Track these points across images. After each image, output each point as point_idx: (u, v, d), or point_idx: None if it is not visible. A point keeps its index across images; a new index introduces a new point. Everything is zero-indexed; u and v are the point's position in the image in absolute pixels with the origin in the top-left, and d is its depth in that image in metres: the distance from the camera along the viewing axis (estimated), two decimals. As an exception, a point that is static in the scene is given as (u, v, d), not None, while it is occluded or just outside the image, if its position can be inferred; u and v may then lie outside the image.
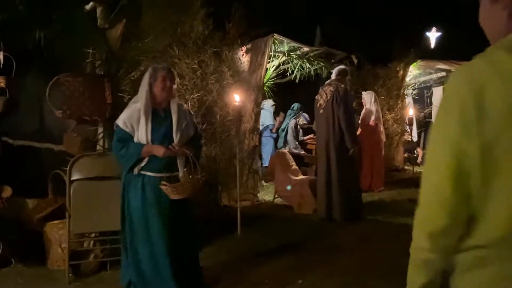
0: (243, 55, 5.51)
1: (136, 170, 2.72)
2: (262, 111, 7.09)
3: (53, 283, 3.29)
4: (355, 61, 7.03)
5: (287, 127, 7.42)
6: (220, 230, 4.38)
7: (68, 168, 3.39)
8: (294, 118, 7.43)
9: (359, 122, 6.48)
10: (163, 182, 2.63)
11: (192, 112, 3.00)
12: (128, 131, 2.69)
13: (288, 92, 7.24)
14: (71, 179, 3.39)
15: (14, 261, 3.57)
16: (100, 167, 3.46)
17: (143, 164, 2.71)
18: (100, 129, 3.67)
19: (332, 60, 7.00)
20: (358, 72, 7.34)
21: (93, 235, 3.57)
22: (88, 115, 3.47)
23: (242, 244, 4.16)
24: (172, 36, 4.31)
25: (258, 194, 6.03)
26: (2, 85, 4.45)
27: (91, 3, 3.79)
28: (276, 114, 7.52)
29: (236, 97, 4.67)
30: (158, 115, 2.76)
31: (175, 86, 2.79)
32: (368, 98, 6.51)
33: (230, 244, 4.13)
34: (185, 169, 2.72)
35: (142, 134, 2.67)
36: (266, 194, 6.31)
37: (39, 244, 3.66)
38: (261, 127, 7.24)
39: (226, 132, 4.97)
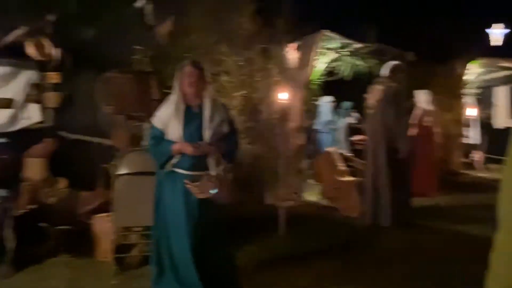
0: (291, 52, 5.40)
1: (168, 167, 2.71)
2: (320, 109, 6.93)
3: (98, 274, 3.37)
4: (411, 58, 6.67)
5: (339, 126, 7.20)
6: (263, 229, 4.32)
7: (115, 163, 3.47)
8: (344, 117, 7.20)
9: (413, 122, 6.14)
10: (185, 181, 2.62)
11: (227, 107, 2.90)
12: (160, 128, 2.70)
13: (337, 91, 7.01)
14: (117, 173, 3.46)
15: (63, 251, 3.71)
16: (145, 163, 3.50)
17: (175, 161, 2.70)
18: (146, 125, 3.72)
19: (386, 57, 6.69)
20: (413, 70, 6.95)
21: (137, 229, 3.63)
22: (135, 111, 3.53)
23: (283, 244, 4.07)
24: (220, 32, 4.29)
25: (303, 194, 5.90)
26: (55, 80, 4.67)
27: (140, 1, 3.86)
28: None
29: (283, 95, 4.58)
30: (191, 111, 2.73)
31: (207, 81, 2.76)
32: (423, 98, 6.16)
33: (271, 244, 4.06)
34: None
35: (173, 131, 2.67)
36: (312, 194, 6.17)
37: (88, 236, 3.79)
38: (320, 124, 7.07)
39: (272, 130, 4.88)
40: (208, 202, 2.69)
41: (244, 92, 4.48)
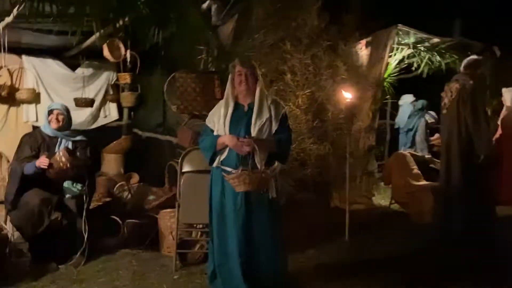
0: (361, 48, 5.17)
1: (216, 163, 2.72)
2: (400, 108, 6.55)
3: (162, 268, 3.48)
4: (497, 52, 6.05)
5: (416, 127, 6.72)
6: (328, 232, 4.18)
7: (179, 160, 3.56)
8: (422, 117, 6.69)
9: (498, 123, 5.57)
10: (224, 174, 2.62)
11: (281, 105, 2.82)
12: (210, 125, 2.76)
13: (413, 89, 6.57)
14: (182, 171, 3.55)
15: (132, 243, 3.89)
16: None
17: (222, 157, 2.70)
18: (209, 124, 3.77)
19: (469, 52, 6.13)
20: (500, 66, 6.31)
21: (199, 226, 3.69)
22: (199, 110, 3.59)
23: (348, 250, 3.89)
24: (285, 30, 4.22)
25: (373, 198, 5.63)
26: (128, 81, 4.93)
27: (207, 1, 3.91)
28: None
29: (351, 94, 4.39)
30: (241, 110, 2.74)
31: (259, 80, 2.75)
32: (509, 96, 5.55)
33: (335, 248, 3.90)
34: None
35: (220, 127, 2.70)
36: (383, 198, 5.87)
37: (155, 230, 3.94)
38: (400, 124, 6.69)
39: (339, 130, 4.70)
40: (257, 202, 2.66)
41: (309, 90, 4.36)
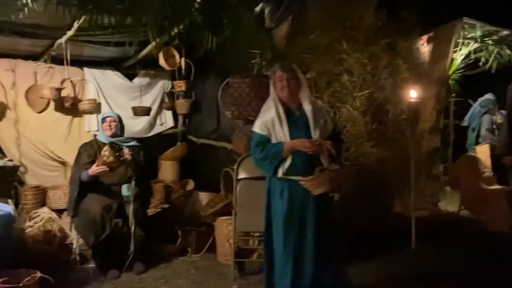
0: (423, 45, 4.87)
1: (280, 173, 2.60)
2: (477, 106, 6.09)
3: (220, 276, 3.44)
4: None
5: (479, 125, 6.20)
6: (392, 241, 3.94)
7: (235, 167, 3.51)
8: (485, 114, 6.14)
9: None
10: (299, 178, 2.50)
11: (327, 108, 2.83)
12: (265, 134, 2.62)
13: (479, 86, 6.10)
14: (238, 177, 3.49)
15: (190, 251, 3.89)
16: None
17: (286, 166, 2.59)
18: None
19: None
20: None
21: (257, 234, 3.61)
22: (253, 115, 3.50)
23: (416, 260, 3.64)
24: (340, 30, 4.05)
25: (439, 204, 5.27)
26: (183, 88, 4.97)
27: (260, 5, 3.84)
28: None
29: (413, 93, 4.13)
30: (292, 115, 2.65)
31: (303, 83, 2.68)
32: None
33: (402, 258, 3.66)
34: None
35: (279, 134, 2.59)
36: (450, 203, 5.48)
37: (212, 237, 3.92)
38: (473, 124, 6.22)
39: (400, 132, 4.43)
40: (326, 210, 2.57)
41: (368, 91, 4.14)
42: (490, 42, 5.36)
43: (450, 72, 5.14)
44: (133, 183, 3.57)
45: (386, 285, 3.18)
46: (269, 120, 2.62)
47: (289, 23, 3.55)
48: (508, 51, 5.46)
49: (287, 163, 2.58)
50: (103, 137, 3.75)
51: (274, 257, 2.69)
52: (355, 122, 4.21)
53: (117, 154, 3.38)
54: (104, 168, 3.35)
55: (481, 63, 5.60)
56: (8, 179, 2.16)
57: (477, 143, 6.03)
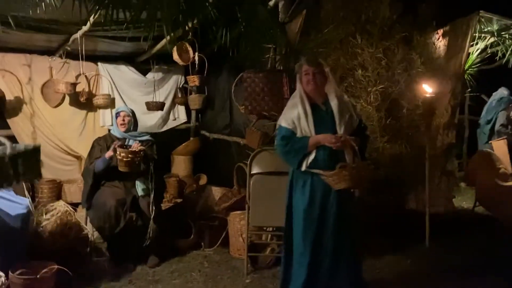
0: (438, 39, 4.79)
1: (304, 166, 2.60)
2: (493, 101, 6.01)
3: (233, 271, 3.46)
4: None
5: (495, 119, 6.08)
6: (406, 237, 3.91)
7: (248, 162, 3.51)
8: (502, 109, 6.02)
9: None
10: (321, 172, 2.50)
11: (352, 103, 2.78)
12: (291, 128, 2.62)
13: (496, 80, 5.99)
14: (251, 172, 3.49)
15: (203, 245, 3.91)
16: (278, 162, 3.44)
17: (310, 159, 2.58)
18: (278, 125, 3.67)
19: None
20: None
21: (270, 229, 3.62)
22: (267, 110, 3.51)
23: (429, 257, 3.61)
24: (355, 24, 4.01)
25: (453, 200, 5.21)
26: (197, 83, 4.97)
27: (274, -1, 3.82)
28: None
29: (428, 88, 4.07)
30: (318, 109, 2.65)
31: (329, 78, 2.68)
32: None
33: (415, 255, 3.64)
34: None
35: (305, 128, 2.59)
36: (465, 200, 5.42)
37: (225, 231, 3.93)
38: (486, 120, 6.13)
39: (415, 127, 4.39)
40: (347, 205, 2.59)
41: (382, 86, 4.10)
42: (507, 36, 5.24)
43: (466, 66, 5.06)
44: (147, 177, 3.60)
45: (399, 281, 3.16)
46: (295, 114, 2.62)
47: (303, 17, 3.52)
48: (526, 45, 5.35)
49: (311, 157, 2.58)
50: (117, 131, 3.80)
51: (292, 250, 2.69)
52: (369, 117, 4.18)
53: (132, 152, 3.41)
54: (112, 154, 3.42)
55: (497, 58, 5.51)
56: (33, 159, 2.21)
57: (490, 138, 5.94)
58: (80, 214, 3.90)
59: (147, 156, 3.64)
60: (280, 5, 3.72)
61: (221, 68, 5.02)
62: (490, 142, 5.55)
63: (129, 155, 3.38)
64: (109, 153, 3.54)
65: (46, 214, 3.59)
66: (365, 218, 3.97)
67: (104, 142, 3.78)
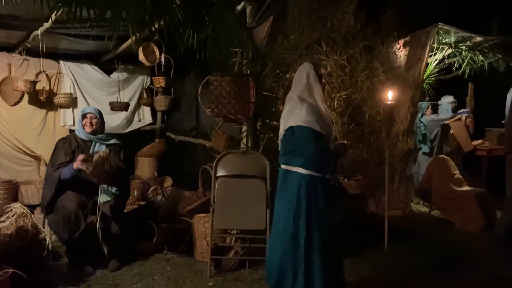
0: (399, 49, 4.99)
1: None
2: (439, 107, 6.35)
3: (196, 274, 3.43)
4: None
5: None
6: (365, 240, 4.02)
7: (214, 164, 3.51)
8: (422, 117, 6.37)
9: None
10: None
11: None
12: (321, 130, 2.61)
13: (453, 90, 6.29)
14: (216, 175, 3.50)
15: (166, 248, 3.87)
16: (243, 165, 3.49)
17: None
18: (244, 128, 3.70)
19: (513, 51, 5.82)
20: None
21: (234, 232, 3.63)
22: (233, 113, 3.52)
23: (388, 259, 3.72)
24: (320, 31, 4.11)
25: (411, 204, 5.42)
26: (163, 84, 4.94)
27: (242, 3, 3.85)
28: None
29: (389, 95, 4.22)
30: None
31: None
32: None
33: (374, 257, 3.74)
34: None
35: (330, 131, 2.71)
36: (422, 204, 5.63)
37: (189, 234, 3.91)
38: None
39: (376, 133, 4.54)
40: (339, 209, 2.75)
41: (345, 93, 4.22)
42: (463, 48, 5.52)
43: (425, 76, 5.29)
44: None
45: (358, 284, 3.24)
46: (320, 116, 2.64)
47: (270, 23, 3.57)
48: (480, 57, 5.64)
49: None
50: (83, 133, 3.61)
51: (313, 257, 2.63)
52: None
53: (100, 162, 3.29)
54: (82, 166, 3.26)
55: (454, 68, 5.78)
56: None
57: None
58: (38, 217, 3.77)
59: (113, 161, 3.49)
60: (248, 10, 3.75)
61: (189, 70, 5.00)
62: (447, 122, 5.91)
63: (97, 167, 3.25)
64: (77, 164, 3.29)
65: (1, 216, 3.44)
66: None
67: (69, 145, 3.56)
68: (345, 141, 2.72)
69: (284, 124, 2.71)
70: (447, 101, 6.24)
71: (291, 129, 2.64)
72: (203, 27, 3.45)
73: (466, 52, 5.57)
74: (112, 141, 3.69)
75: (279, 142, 2.79)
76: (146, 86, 5.39)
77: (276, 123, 3.85)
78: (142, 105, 5.40)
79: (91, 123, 3.59)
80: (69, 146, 3.55)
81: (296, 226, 2.63)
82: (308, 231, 2.62)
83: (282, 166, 2.75)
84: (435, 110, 6.50)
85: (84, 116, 3.63)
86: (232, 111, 3.56)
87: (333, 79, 4.26)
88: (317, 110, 2.64)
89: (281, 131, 2.73)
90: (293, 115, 2.64)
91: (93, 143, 3.60)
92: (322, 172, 2.63)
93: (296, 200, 2.63)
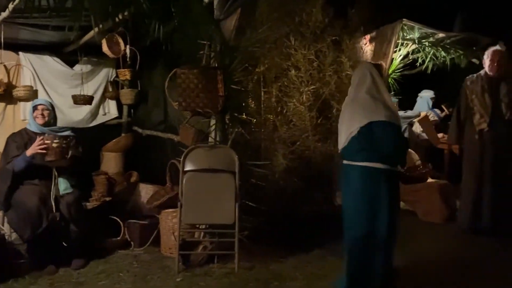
0: (366, 44, 5.06)
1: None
2: (418, 99, 6.51)
3: (164, 270, 3.39)
4: (503, 47, 5.94)
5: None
6: (332, 231, 4.08)
7: (181, 159, 3.47)
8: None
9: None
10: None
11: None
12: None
13: (417, 85, 6.46)
14: (184, 169, 3.45)
15: (133, 244, 3.80)
16: (212, 160, 3.46)
17: None
18: (213, 121, 3.66)
19: (474, 47, 6.02)
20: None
21: (202, 226, 3.60)
22: (202, 107, 3.48)
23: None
24: (289, 25, 4.11)
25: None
26: (128, 77, 4.81)
27: (210, -5, 3.79)
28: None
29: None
30: None
31: None
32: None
33: (340, 248, 3.80)
34: None
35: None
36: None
37: (156, 230, 3.85)
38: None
39: (343, 127, 4.60)
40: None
41: (314, 87, 4.26)
42: (427, 44, 5.66)
43: (390, 71, 5.39)
44: (71, 174, 3.42)
45: (326, 272, 3.29)
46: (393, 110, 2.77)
47: (238, 15, 3.53)
48: (443, 53, 5.81)
49: None
50: (34, 126, 3.52)
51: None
52: (301, 117, 4.32)
53: (63, 136, 3.23)
54: (43, 146, 3.17)
55: (417, 64, 5.93)
56: None
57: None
58: (-4, 214, 3.61)
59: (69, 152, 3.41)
60: (215, 1, 3.70)
61: (156, 63, 4.89)
62: (415, 120, 6.08)
63: (64, 141, 3.18)
64: (30, 151, 3.25)
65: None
66: (295, 214, 4.12)
67: (21, 138, 3.48)
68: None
69: (360, 121, 2.64)
70: (428, 95, 6.42)
71: (369, 126, 2.62)
72: (170, 18, 3.39)
73: (429, 48, 5.72)
74: (67, 133, 3.60)
75: (346, 140, 2.70)
76: (111, 79, 5.23)
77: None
78: (107, 99, 5.24)
79: (42, 114, 3.52)
80: (21, 139, 3.47)
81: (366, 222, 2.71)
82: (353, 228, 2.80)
83: (358, 163, 2.67)
84: (401, 105, 6.66)
85: (35, 108, 3.55)
86: (200, 104, 3.51)
87: (302, 73, 4.28)
88: (389, 105, 2.73)
89: (354, 129, 2.64)
90: (368, 111, 2.64)
91: (45, 135, 3.49)
92: (400, 166, 2.77)
93: (376, 196, 2.64)
